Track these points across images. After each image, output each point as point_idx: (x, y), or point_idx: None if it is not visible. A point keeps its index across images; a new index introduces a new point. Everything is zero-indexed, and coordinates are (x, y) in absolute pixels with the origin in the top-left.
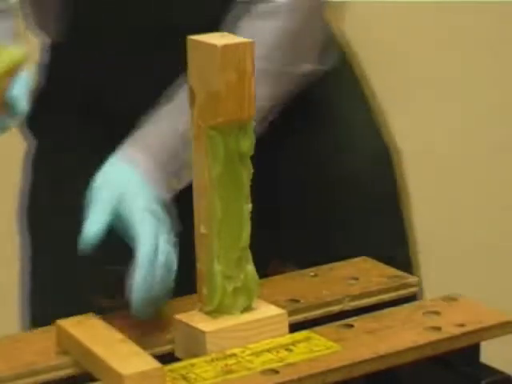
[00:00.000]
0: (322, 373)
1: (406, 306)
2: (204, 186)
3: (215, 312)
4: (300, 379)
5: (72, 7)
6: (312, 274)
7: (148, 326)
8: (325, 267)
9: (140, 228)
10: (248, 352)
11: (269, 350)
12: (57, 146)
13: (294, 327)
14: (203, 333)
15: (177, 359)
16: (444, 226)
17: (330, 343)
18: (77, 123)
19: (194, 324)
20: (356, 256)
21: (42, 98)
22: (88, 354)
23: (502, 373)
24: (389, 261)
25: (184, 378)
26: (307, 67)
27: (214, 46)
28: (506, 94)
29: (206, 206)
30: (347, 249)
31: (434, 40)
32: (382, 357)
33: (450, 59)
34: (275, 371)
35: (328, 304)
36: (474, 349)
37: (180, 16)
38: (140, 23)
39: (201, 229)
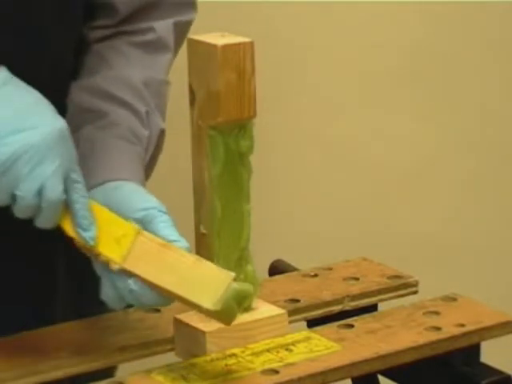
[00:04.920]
0: (322, 373)
1: (406, 306)
2: (204, 186)
3: None
4: (300, 379)
5: None
6: (312, 274)
7: (148, 325)
8: (325, 267)
9: None
10: (248, 352)
11: (269, 350)
12: None
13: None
14: (203, 333)
15: None
16: (443, 226)
17: (330, 343)
18: None
19: (194, 324)
20: None
21: None
22: None
23: (501, 373)
24: None
25: (184, 378)
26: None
27: (213, 46)
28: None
29: (206, 205)
30: None
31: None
32: (382, 357)
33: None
34: (275, 371)
35: (328, 304)
36: (474, 349)
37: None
38: None
39: (201, 229)
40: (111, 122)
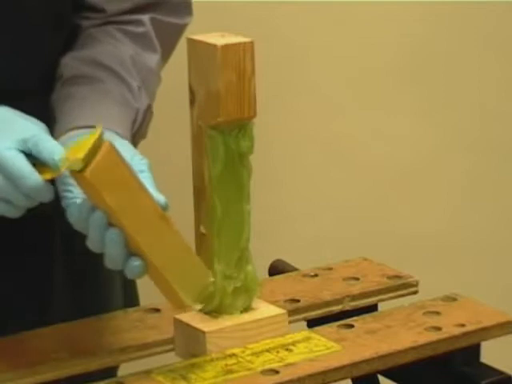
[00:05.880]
0: (322, 373)
1: (406, 306)
2: (204, 186)
3: (215, 312)
4: (300, 379)
5: None
6: (312, 274)
7: (148, 325)
8: (325, 267)
9: None
10: (248, 352)
11: (269, 350)
12: None
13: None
14: (203, 333)
15: None
16: (443, 226)
17: (330, 343)
18: None
19: (194, 324)
20: None
21: None
22: None
23: (502, 373)
24: None
25: (184, 378)
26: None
27: (213, 46)
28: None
29: (206, 205)
30: None
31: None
32: (382, 357)
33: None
34: (275, 371)
35: (328, 304)
36: (474, 349)
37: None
38: None
39: (201, 229)
40: (105, 89)
